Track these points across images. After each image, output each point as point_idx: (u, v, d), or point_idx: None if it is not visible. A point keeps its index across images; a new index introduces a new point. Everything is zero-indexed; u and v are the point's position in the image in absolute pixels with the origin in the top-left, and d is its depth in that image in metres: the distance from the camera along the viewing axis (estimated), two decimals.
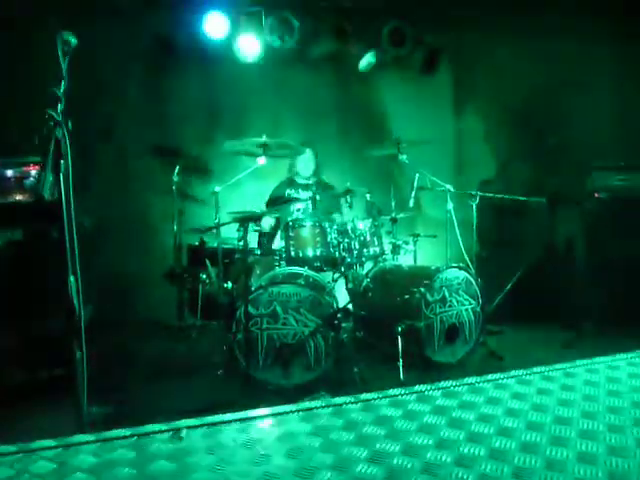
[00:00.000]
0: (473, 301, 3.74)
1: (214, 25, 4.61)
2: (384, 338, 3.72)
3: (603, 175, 4.51)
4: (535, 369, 2.05)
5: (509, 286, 4.54)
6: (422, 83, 5.43)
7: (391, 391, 1.88)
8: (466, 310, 3.71)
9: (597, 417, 1.70)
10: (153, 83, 4.76)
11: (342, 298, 3.82)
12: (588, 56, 5.11)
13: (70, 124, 1.62)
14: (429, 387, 1.81)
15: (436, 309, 3.58)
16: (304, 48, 4.96)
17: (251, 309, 3.24)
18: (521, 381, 1.92)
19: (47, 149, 1.53)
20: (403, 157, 4.02)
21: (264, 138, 3.52)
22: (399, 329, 3.45)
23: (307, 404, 1.74)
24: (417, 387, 1.84)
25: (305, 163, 4.56)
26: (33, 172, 3.32)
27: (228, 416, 1.74)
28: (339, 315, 3.39)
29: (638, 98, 5.07)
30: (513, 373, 1.99)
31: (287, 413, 1.70)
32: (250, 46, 4.76)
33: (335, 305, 3.48)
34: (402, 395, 1.79)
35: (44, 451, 1.46)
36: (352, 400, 1.75)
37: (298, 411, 1.69)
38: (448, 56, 5.38)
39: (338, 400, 1.78)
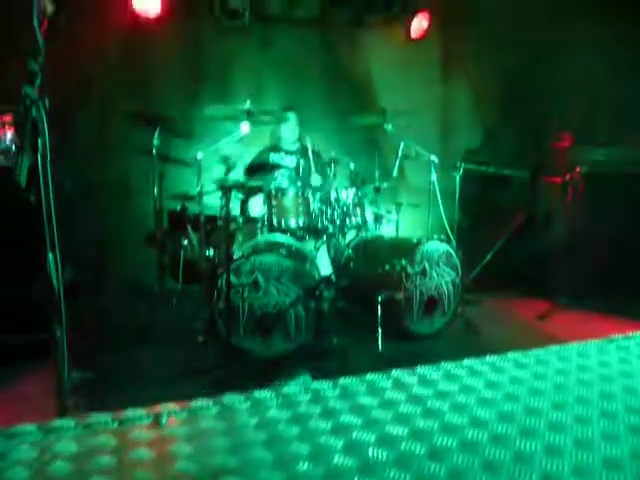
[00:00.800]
0: (453, 273, 3.79)
1: None
2: (364, 308, 3.78)
3: (585, 149, 4.52)
4: (509, 354, 2.10)
5: (488, 257, 4.60)
6: (410, 48, 5.32)
7: (368, 376, 1.91)
8: (446, 282, 3.76)
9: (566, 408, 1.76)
10: (134, 44, 4.57)
11: (324, 266, 3.84)
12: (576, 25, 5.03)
13: (48, 102, 1.55)
14: (405, 373, 1.86)
15: (416, 281, 3.62)
16: (290, 9, 4.80)
17: (232, 278, 3.23)
18: (495, 368, 1.97)
19: (23, 129, 1.47)
20: (388, 126, 3.97)
21: (248, 104, 3.43)
22: (379, 299, 3.49)
23: (287, 390, 1.77)
24: (394, 372, 1.88)
25: (289, 129, 4.48)
26: (9, 134, 3.22)
27: (208, 402, 1.76)
28: (320, 286, 3.41)
29: (624, 69, 5.03)
30: (488, 359, 2.03)
31: (267, 399, 1.72)
32: None
33: (317, 275, 3.49)
34: (379, 381, 1.84)
35: (25, 436, 1.47)
36: (331, 386, 1.78)
37: (278, 396, 1.72)
38: (437, 20, 5.25)
39: (317, 386, 1.80)
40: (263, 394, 1.74)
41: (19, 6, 2.09)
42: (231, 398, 1.76)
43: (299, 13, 4.89)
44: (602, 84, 4.72)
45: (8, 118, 3.20)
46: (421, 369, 1.97)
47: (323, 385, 1.79)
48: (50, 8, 1.77)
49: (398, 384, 1.85)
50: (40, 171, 1.49)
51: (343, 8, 4.92)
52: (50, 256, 1.59)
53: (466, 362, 2.02)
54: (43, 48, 1.67)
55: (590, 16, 4.65)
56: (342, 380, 1.87)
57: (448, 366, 2.00)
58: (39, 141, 1.58)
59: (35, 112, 1.51)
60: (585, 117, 4.79)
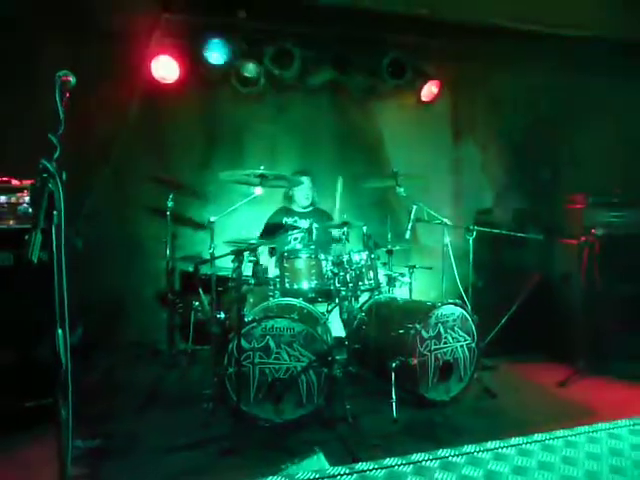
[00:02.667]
0: (468, 337, 3.71)
1: (215, 52, 4.60)
2: (377, 373, 3.69)
3: (599, 211, 4.51)
4: (536, 436, 1.98)
5: (504, 320, 4.51)
6: (421, 113, 5.45)
7: (387, 461, 1.81)
8: (461, 347, 3.67)
9: None
10: (152, 108, 4.73)
11: (336, 328, 3.79)
12: (587, 88, 5.15)
13: (65, 175, 1.58)
14: (426, 457, 1.76)
15: (431, 345, 3.54)
16: (304, 76, 4.97)
17: (244, 343, 3.18)
18: (521, 452, 1.85)
19: (39, 205, 1.49)
20: (400, 190, 4.00)
21: (262, 169, 3.48)
22: (393, 365, 3.41)
23: (300, 476, 1.67)
24: (414, 456, 1.78)
25: (303, 192, 4.55)
26: (27, 199, 3.30)
27: None
28: (333, 350, 3.34)
29: (635, 132, 5.10)
30: (513, 442, 1.92)
31: None
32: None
33: (329, 340, 3.44)
34: (399, 466, 1.73)
35: None
36: (346, 471, 1.69)
37: None
38: (447, 86, 5.40)
39: (332, 471, 1.71)
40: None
41: (41, 78, 2.17)
42: None
43: (312, 80, 5.05)
44: (615, 146, 4.79)
45: (28, 182, 3.29)
46: (443, 452, 1.86)
47: (339, 470, 1.69)
48: (73, 80, 1.82)
49: (420, 470, 1.73)
50: (54, 243, 1.50)
51: (354, 76, 5.07)
52: (59, 332, 1.57)
53: (490, 445, 1.91)
54: (64, 121, 1.72)
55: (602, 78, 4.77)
56: (359, 465, 1.76)
57: (471, 449, 1.89)
58: (54, 213, 1.60)
59: (52, 185, 1.53)
60: (599, 179, 4.82)
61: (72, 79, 1.84)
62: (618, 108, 5.10)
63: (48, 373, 1.83)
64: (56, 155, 1.61)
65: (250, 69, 4.73)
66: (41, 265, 1.86)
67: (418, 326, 3.47)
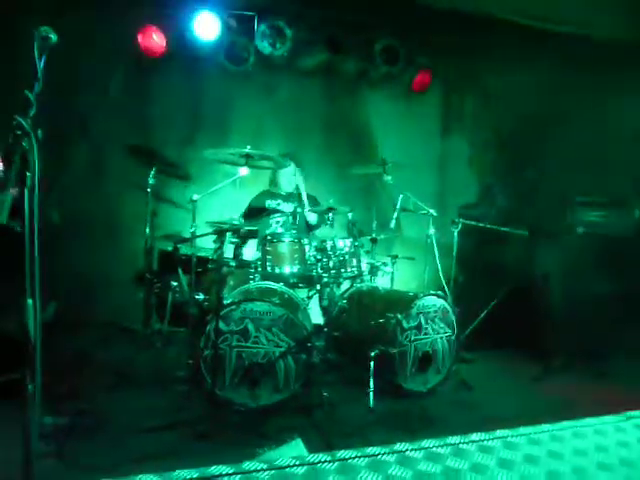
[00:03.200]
0: (448, 329, 3.69)
1: (204, 26, 4.47)
2: (356, 361, 3.64)
3: (583, 210, 4.53)
4: (498, 432, 1.95)
5: (483, 314, 4.51)
6: (411, 102, 5.40)
7: (370, 449, 1.76)
8: (441, 338, 3.66)
9: None
10: (135, 81, 4.59)
11: (316, 314, 3.74)
12: (578, 88, 5.14)
13: (40, 133, 1.48)
14: (410, 447, 1.71)
15: (411, 336, 3.51)
16: (295, 57, 4.87)
17: (222, 325, 3.11)
18: (483, 449, 1.81)
19: (10, 161, 1.38)
20: (388, 178, 3.95)
21: (248, 149, 3.39)
22: (372, 354, 3.37)
23: (280, 462, 1.61)
24: (397, 446, 1.73)
25: (288, 176, 4.46)
26: None
27: (188, 472, 1.61)
28: (312, 337, 3.29)
29: (622, 132, 5.11)
30: (473, 437, 1.87)
31: (258, 471, 1.56)
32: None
33: (309, 326, 3.38)
34: (381, 455, 1.68)
35: None
36: (327, 458, 1.63)
37: (270, 469, 1.56)
38: (439, 78, 5.35)
39: (313, 458, 1.66)
40: (255, 465, 1.58)
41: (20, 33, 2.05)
42: (217, 469, 1.60)
43: (303, 62, 4.95)
44: (599, 146, 4.80)
45: None
46: (427, 442, 1.81)
47: (319, 457, 1.64)
48: (53, 37, 1.71)
49: (403, 460, 1.68)
50: (26, 206, 1.39)
51: (347, 60, 4.98)
52: (29, 302, 1.47)
53: (475, 436, 1.87)
54: (42, 79, 1.62)
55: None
56: (340, 452, 1.71)
57: (456, 440, 1.84)
58: (27, 175, 1.49)
59: (26, 144, 1.43)
60: (582, 178, 4.83)
61: (53, 36, 1.73)
62: (607, 108, 5.10)
63: (16, 346, 1.74)
64: (32, 113, 1.51)
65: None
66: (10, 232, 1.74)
67: (399, 316, 3.43)
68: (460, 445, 1.77)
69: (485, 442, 1.83)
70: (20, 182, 1.41)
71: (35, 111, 1.50)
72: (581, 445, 1.89)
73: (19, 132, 1.43)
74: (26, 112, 1.50)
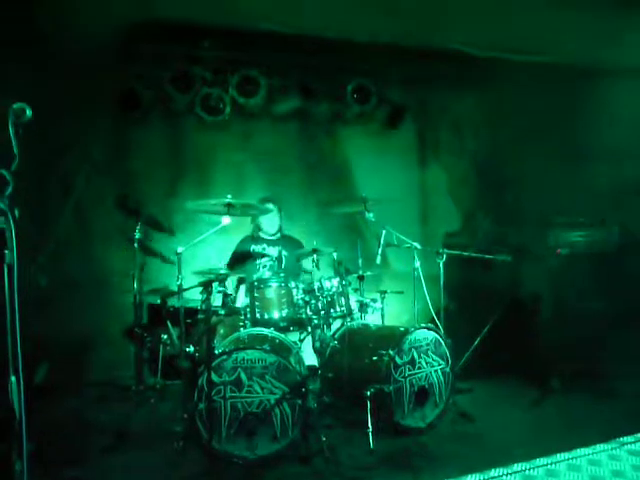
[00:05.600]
0: (442, 362, 3.68)
1: (179, 81, 4.58)
2: (352, 402, 3.60)
3: (564, 231, 4.60)
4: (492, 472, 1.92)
5: (476, 342, 4.51)
6: (386, 138, 5.51)
7: None
8: (435, 371, 3.65)
9: None
10: (116, 137, 4.66)
11: (309, 356, 3.72)
12: (548, 110, 5.27)
13: (17, 212, 1.50)
14: None
15: (405, 372, 3.50)
16: (269, 104, 4.98)
17: (214, 377, 3.09)
18: None
19: None
20: (370, 215, 3.97)
21: (229, 198, 3.43)
22: (368, 394, 3.35)
23: None
24: None
25: (270, 220, 4.49)
26: None
27: None
28: (307, 381, 3.27)
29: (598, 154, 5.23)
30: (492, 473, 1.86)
31: None
32: None
33: (302, 370, 3.36)
34: None
35: None
36: None
37: None
38: (412, 111, 5.48)
39: None
40: None
41: None
42: None
43: (278, 108, 5.06)
44: (576, 168, 4.90)
45: None
46: None
47: None
48: (28, 113, 1.75)
49: None
50: (6, 284, 1.41)
51: (320, 103, 5.10)
52: (12, 379, 1.46)
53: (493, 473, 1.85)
54: (18, 156, 1.65)
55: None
56: None
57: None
58: (6, 252, 1.51)
59: (3, 223, 1.45)
60: (559, 200, 4.91)
61: (28, 111, 1.77)
62: (580, 130, 5.23)
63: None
64: (8, 191, 1.53)
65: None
66: None
67: (392, 352, 3.43)
68: None
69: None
70: None
71: (11, 190, 1.52)
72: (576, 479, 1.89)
73: None
74: (2, 191, 1.52)
